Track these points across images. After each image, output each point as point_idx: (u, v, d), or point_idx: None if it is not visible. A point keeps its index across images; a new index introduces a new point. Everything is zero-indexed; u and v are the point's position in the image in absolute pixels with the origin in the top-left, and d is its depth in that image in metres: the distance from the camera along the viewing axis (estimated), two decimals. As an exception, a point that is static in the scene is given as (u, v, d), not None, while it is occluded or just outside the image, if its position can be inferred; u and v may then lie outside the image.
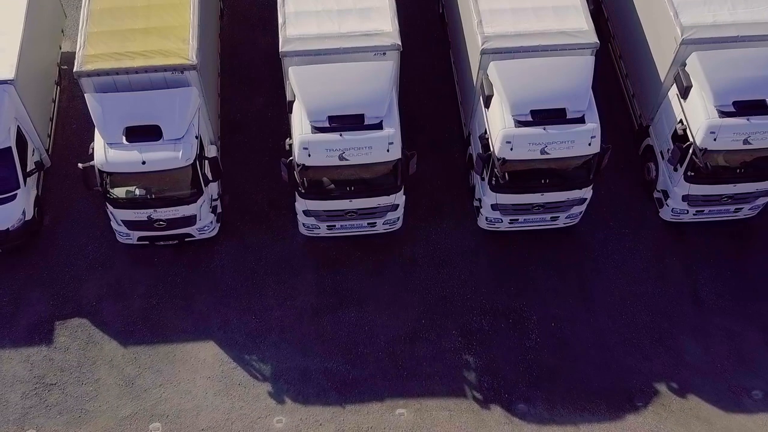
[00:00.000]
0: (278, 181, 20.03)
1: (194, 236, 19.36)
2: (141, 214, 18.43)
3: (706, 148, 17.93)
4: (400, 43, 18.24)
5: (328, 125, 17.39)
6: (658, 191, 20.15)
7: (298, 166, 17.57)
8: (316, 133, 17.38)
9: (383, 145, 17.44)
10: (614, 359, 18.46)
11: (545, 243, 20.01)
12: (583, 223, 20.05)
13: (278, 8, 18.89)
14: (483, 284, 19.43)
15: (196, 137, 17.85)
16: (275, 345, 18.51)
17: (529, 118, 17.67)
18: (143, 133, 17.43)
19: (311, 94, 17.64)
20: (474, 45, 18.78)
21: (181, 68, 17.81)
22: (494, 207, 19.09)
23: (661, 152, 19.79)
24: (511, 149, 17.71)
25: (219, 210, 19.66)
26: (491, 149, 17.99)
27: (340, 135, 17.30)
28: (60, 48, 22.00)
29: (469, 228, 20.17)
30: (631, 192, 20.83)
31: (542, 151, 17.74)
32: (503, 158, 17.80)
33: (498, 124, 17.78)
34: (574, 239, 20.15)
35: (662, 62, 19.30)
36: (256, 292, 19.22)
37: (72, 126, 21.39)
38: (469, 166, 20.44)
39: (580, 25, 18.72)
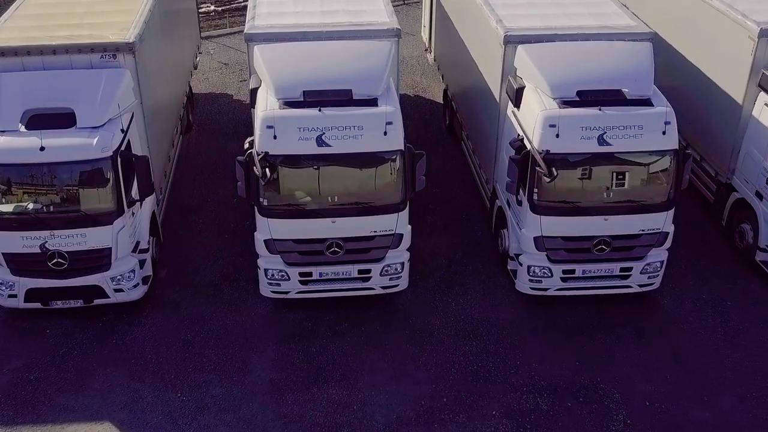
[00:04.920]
0: (238, 255, 14.75)
1: (108, 296, 13.37)
2: (31, 242, 12.75)
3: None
4: (399, 28, 14.26)
5: (303, 100, 12.68)
6: (762, 251, 14.57)
7: (259, 155, 12.40)
8: (285, 108, 12.62)
9: (379, 126, 12.47)
10: (757, 446, 11.45)
11: (614, 311, 13.89)
12: (662, 294, 14.17)
13: (248, 10, 15.25)
14: (532, 358, 12.93)
15: (123, 131, 13.01)
16: (208, 427, 11.57)
17: (576, 99, 13.02)
18: (50, 120, 12.64)
19: (282, 70, 13.13)
20: (494, 45, 14.67)
21: (114, 47, 13.55)
22: (539, 244, 13.37)
23: (757, 193, 14.61)
24: (557, 135, 12.67)
25: (149, 273, 13.97)
26: (529, 145, 12.97)
27: (319, 110, 12.49)
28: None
29: (503, 295, 14.20)
30: (723, 266, 15.14)
31: (600, 140, 12.69)
32: (546, 151, 12.69)
33: (536, 109, 13.03)
34: (655, 308, 14.04)
35: (738, 79, 14.96)
36: (189, 366, 12.68)
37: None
38: (498, 224, 15.10)
39: (624, 22, 14.91)
